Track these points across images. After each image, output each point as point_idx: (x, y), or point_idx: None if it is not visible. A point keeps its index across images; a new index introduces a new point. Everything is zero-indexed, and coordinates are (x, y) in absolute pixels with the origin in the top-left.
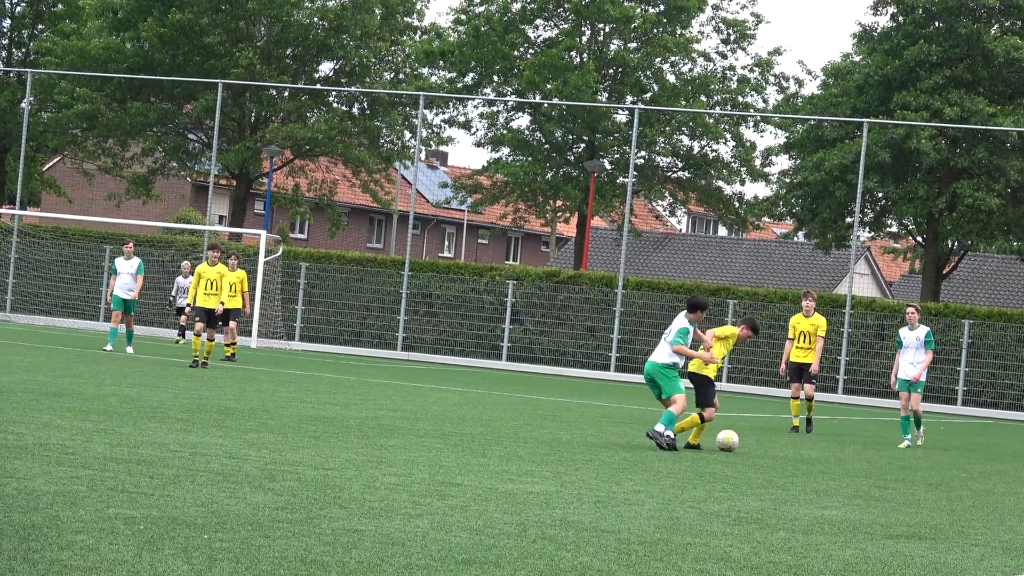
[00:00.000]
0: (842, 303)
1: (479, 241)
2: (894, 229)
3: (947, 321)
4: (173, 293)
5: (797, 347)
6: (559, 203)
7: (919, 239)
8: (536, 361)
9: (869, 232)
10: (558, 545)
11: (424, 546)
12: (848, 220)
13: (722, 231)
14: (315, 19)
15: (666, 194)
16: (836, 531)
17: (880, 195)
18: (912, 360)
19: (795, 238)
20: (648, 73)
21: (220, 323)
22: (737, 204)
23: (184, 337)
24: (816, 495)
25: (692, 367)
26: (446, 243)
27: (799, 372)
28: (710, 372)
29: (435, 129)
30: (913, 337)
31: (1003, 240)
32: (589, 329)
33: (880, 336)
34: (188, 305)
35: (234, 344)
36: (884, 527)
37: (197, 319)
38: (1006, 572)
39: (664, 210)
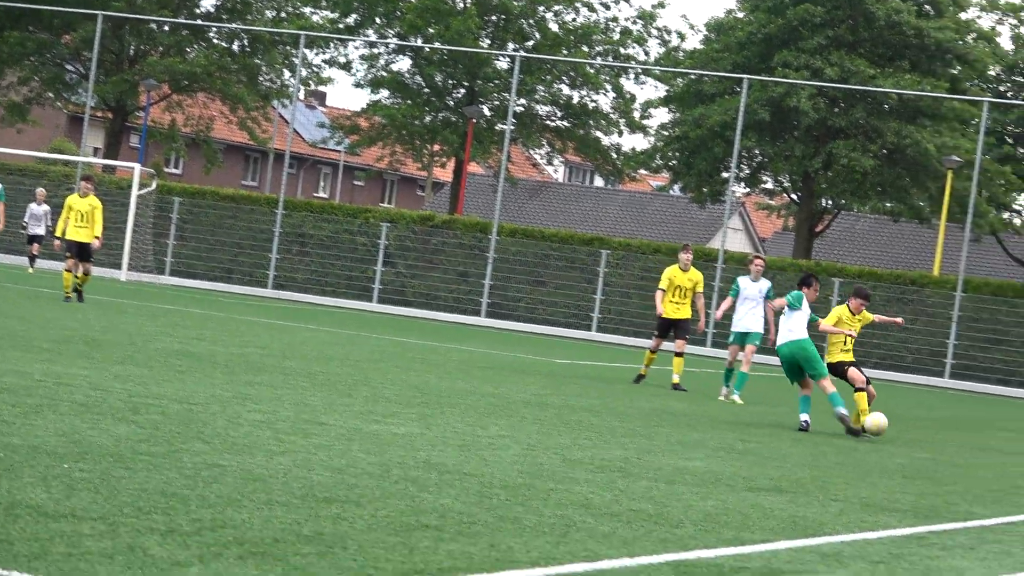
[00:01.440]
0: (715, 257)
1: (355, 183)
2: (769, 186)
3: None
4: (26, 219)
5: (671, 301)
6: (436, 147)
7: (794, 196)
8: (407, 304)
9: (744, 188)
10: (420, 487)
11: (286, 483)
12: (724, 175)
13: (598, 181)
14: None
15: (544, 143)
16: (698, 482)
17: (757, 152)
18: (752, 312)
19: (671, 191)
20: (531, 21)
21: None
22: (614, 155)
23: (33, 266)
24: (680, 446)
25: (832, 358)
26: (321, 183)
27: (669, 327)
28: (849, 356)
29: (315, 69)
30: (755, 289)
31: (876, 200)
32: (462, 274)
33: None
34: (57, 238)
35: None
36: (746, 480)
37: (68, 253)
38: (864, 528)
39: (541, 159)
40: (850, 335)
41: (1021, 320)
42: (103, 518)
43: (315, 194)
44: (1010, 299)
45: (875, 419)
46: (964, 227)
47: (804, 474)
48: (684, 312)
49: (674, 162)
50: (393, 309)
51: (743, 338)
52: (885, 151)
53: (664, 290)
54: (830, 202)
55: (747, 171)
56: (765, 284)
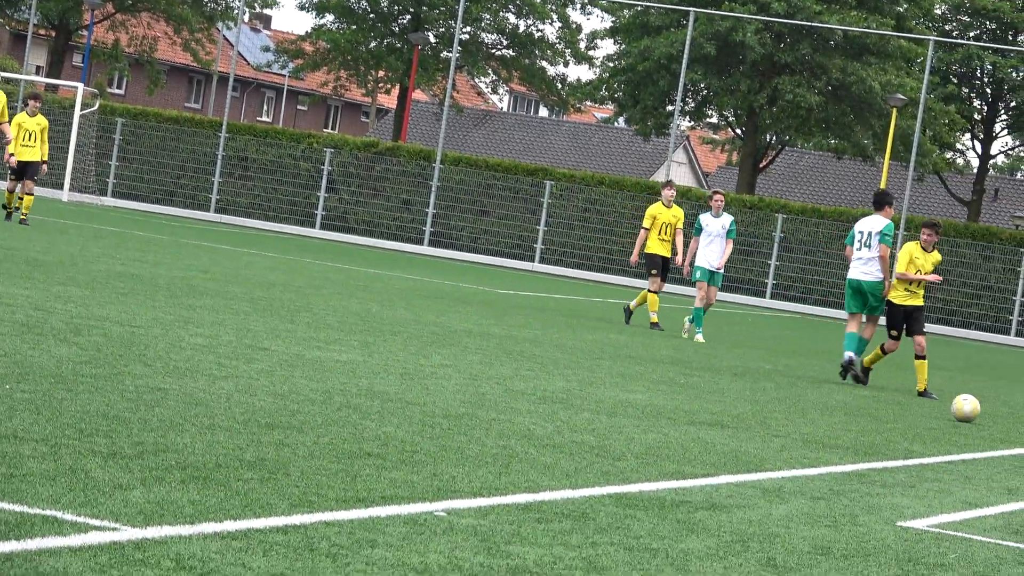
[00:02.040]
0: (658, 190)
1: (298, 107)
2: (714, 120)
3: (761, 214)
4: None
5: (659, 239)
6: (381, 73)
7: (738, 131)
8: (350, 231)
9: (689, 122)
10: (362, 414)
11: (228, 408)
12: (669, 108)
13: (543, 112)
14: None
15: (489, 71)
16: (640, 415)
17: (702, 86)
18: (715, 249)
19: (615, 123)
20: None
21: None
22: (560, 85)
23: None
24: (622, 379)
25: (899, 299)
26: (265, 107)
27: (664, 265)
28: (917, 300)
29: None
30: (718, 225)
31: (821, 137)
32: (405, 202)
33: (692, 226)
34: (11, 155)
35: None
36: (687, 413)
37: (13, 176)
38: (804, 464)
39: (486, 87)
40: (935, 280)
41: (962, 260)
42: (45, 440)
43: (258, 118)
44: (951, 239)
45: (965, 404)
46: (908, 166)
47: (745, 409)
48: (669, 249)
49: (619, 94)
50: (336, 236)
51: (710, 275)
52: (830, 88)
53: (648, 229)
54: (774, 138)
55: (692, 105)
56: (727, 219)
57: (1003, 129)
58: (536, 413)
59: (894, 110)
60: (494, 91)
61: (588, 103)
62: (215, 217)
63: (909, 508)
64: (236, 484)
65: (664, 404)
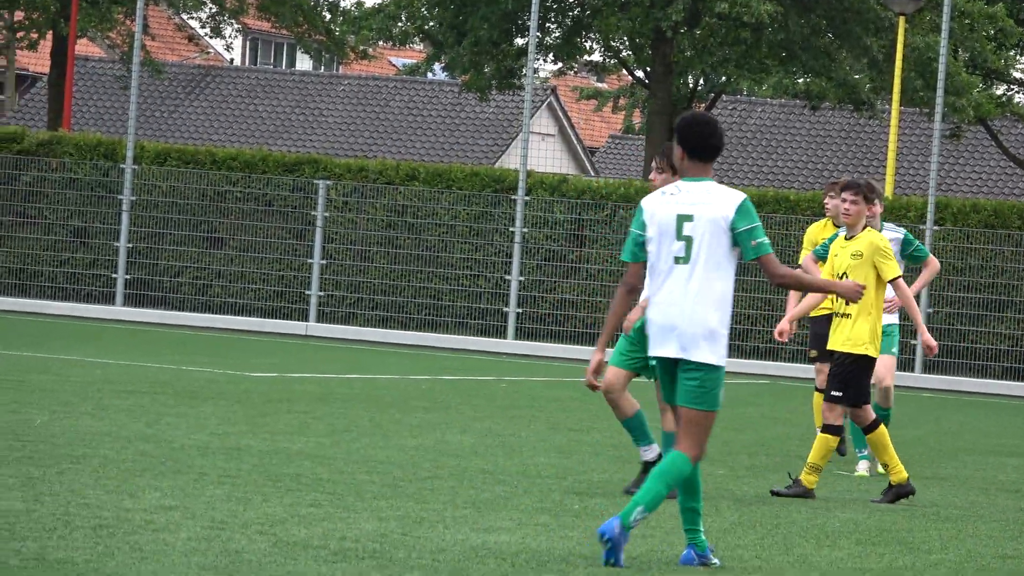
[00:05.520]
0: (512, 185)
1: None
2: (596, 57)
3: None
4: None
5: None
6: (20, 16)
7: (640, 74)
8: None
9: (555, 63)
10: None
11: None
12: (520, 42)
13: (303, 63)
14: None
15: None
16: (509, 570)
17: (572, 1)
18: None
19: (430, 74)
20: None
21: None
22: (328, 16)
23: None
24: (474, 508)
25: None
26: None
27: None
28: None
29: None
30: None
31: (780, 74)
32: (77, 233)
33: (578, 240)
34: None
35: None
36: (587, 559)
37: None
38: None
39: (202, 26)
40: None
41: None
42: None
43: None
44: (1016, 232)
45: None
46: (932, 113)
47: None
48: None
49: (432, 24)
50: None
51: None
52: None
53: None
54: (701, 81)
55: (557, 35)
56: (894, 236)
57: None
58: None
59: (901, 20)
60: (216, 33)
61: (379, 44)
62: None
63: None
64: None
65: (550, 547)
